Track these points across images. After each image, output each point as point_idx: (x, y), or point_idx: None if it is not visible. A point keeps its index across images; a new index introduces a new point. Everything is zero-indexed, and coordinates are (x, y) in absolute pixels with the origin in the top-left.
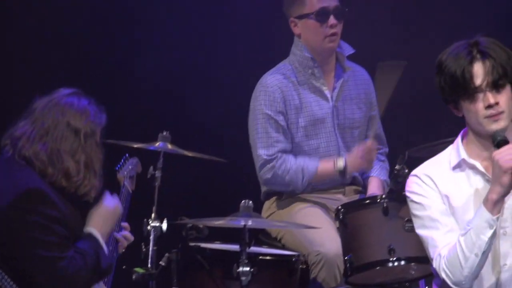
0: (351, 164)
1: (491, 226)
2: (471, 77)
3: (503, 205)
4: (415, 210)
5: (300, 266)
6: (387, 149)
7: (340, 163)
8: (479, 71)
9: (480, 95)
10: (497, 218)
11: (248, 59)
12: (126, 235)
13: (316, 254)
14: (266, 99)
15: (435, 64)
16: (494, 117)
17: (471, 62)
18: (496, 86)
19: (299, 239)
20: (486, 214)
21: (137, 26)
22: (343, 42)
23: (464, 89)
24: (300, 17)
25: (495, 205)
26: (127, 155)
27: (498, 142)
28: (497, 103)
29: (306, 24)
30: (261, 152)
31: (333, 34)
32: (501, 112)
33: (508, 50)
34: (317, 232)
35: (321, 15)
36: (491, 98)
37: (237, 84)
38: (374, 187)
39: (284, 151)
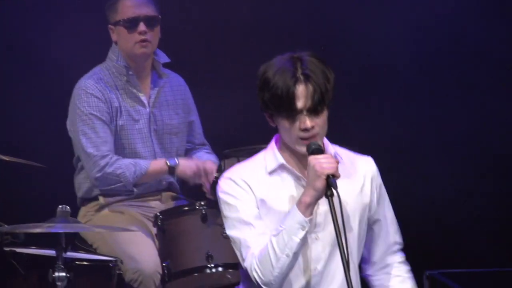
0: (183, 163)
1: (303, 228)
2: (294, 99)
3: (315, 210)
4: (227, 211)
5: (117, 272)
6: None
7: (172, 160)
8: (302, 94)
9: (299, 117)
10: (310, 220)
11: (66, 65)
12: None
13: (134, 272)
14: (89, 100)
15: (259, 75)
16: (306, 141)
17: (295, 84)
18: (315, 110)
19: (116, 252)
20: (298, 216)
21: None
22: (159, 51)
23: (286, 109)
24: (115, 23)
25: (307, 207)
26: None
27: (313, 150)
28: (312, 127)
29: (119, 31)
30: (91, 151)
31: (143, 41)
32: (315, 135)
33: (326, 70)
34: (135, 246)
35: (131, 22)
36: (308, 122)
37: (54, 88)
38: (211, 168)
39: (112, 151)
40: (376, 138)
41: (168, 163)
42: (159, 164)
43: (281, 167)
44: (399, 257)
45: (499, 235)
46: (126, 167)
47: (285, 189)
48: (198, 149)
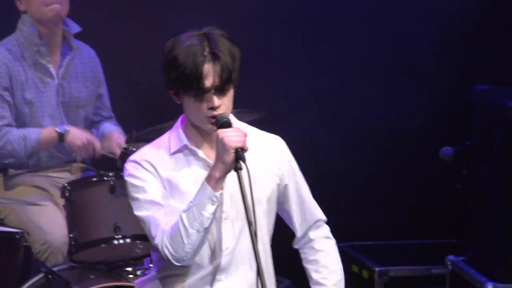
0: (74, 132)
1: (213, 202)
2: (202, 78)
3: (224, 189)
4: (135, 193)
5: (24, 244)
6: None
7: (61, 127)
8: (209, 73)
9: (206, 96)
10: (220, 195)
11: None
12: None
13: (42, 243)
14: None
15: (165, 53)
16: (213, 120)
17: (203, 63)
18: (221, 90)
19: (25, 223)
20: (208, 191)
21: None
22: (70, 21)
23: (192, 88)
24: None
25: (217, 181)
26: None
27: (221, 124)
28: (220, 106)
29: (26, 1)
30: None
31: (52, 3)
32: (222, 114)
33: (233, 48)
34: (43, 217)
35: None
36: (216, 101)
37: None
38: (119, 138)
39: (8, 126)
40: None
41: (58, 130)
42: (49, 131)
43: (185, 148)
44: (323, 231)
45: (405, 209)
46: (16, 142)
47: (189, 170)
48: (105, 121)
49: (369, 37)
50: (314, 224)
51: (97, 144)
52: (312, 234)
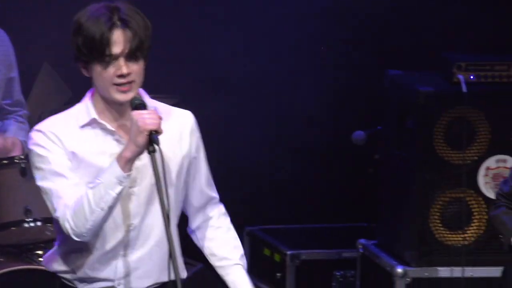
0: None
1: (120, 183)
2: (109, 43)
3: (132, 170)
4: (38, 163)
5: None
6: (27, 112)
7: None
8: (118, 39)
9: (115, 63)
10: (128, 176)
11: None
12: None
13: None
14: None
15: (74, 21)
16: (122, 88)
17: (111, 29)
18: (132, 56)
19: None
20: (118, 171)
21: None
22: None
23: (101, 54)
24: None
25: (127, 162)
26: None
27: (136, 105)
28: (129, 74)
29: None
30: None
31: None
32: (131, 82)
33: (145, 18)
34: None
35: None
36: (124, 67)
37: None
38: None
39: None
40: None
41: None
42: None
43: (93, 121)
44: (220, 209)
45: (317, 193)
46: None
47: (96, 143)
48: (11, 116)
49: (282, 17)
50: (211, 201)
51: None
52: (210, 212)
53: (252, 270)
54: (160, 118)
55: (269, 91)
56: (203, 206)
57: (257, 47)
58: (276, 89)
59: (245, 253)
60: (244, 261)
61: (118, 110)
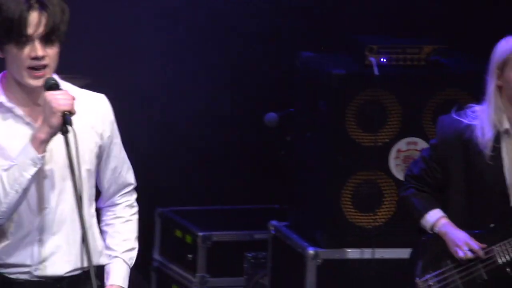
0: None
1: (35, 165)
2: (26, 25)
3: (46, 152)
4: None
5: None
6: None
7: None
8: (34, 21)
9: (30, 44)
10: (42, 157)
11: None
12: None
13: None
14: None
15: None
16: (36, 73)
17: (29, 10)
18: (47, 39)
19: None
20: (32, 152)
21: None
22: None
23: (17, 35)
24: None
25: (41, 144)
26: None
27: (50, 86)
28: (43, 57)
29: None
30: None
31: None
32: (45, 66)
33: (63, 3)
34: None
35: None
36: (39, 50)
37: None
38: None
39: None
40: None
41: None
42: None
43: (1, 105)
44: (128, 199)
45: (229, 174)
46: None
47: (7, 127)
48: None
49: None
50: (124, 188)
51: None
52: (118, 199)
53: (163, 252)
54: (73, 99)
55: (182, 69)
56: (116, 192)
57: (158, 33)
58: (186, 69)
59: (156, 235)
60: (130, 256)
61: (31, 93)
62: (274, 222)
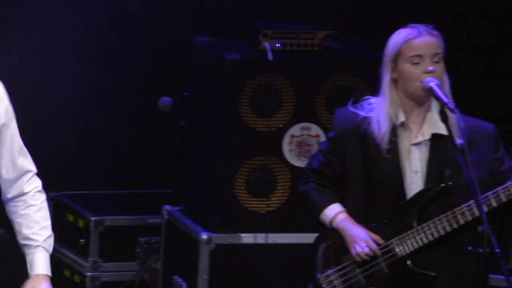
0: None
1: None
2: None
3: None
4: None
5: None
6: None
7: None
8: None
9: None
10: None
11: None
12: None
13: None
14: None
15: None
16: None
17: None
18: None
19: None
20: None
21: None
22: None
23: None
24: None
25: None
26: None
27: None
28: None
29: None
30: None
31: None
32: None
33: None
34: None
35: None
36: None
37: None
38: None
39: None
40: None
41: None
42: None
43: None
44: (36, 185)
45: (123, 159)
46: None
47: None
48: None
49: None
50: (26, 175)
51: None
52: (26, 187)
53: (56, 237)
54: None
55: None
56: (16, 179)
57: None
58: (80, 51)
59: None
60: (49, 243)
61: None
62: (167, 207)
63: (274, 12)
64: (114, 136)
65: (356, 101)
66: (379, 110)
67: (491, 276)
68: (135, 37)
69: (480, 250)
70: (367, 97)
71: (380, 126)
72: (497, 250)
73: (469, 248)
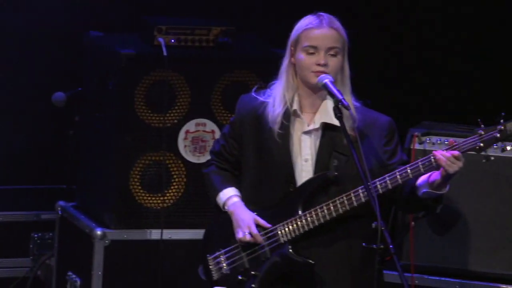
0: None
1: None
2: None
3: None
4: None
5: None
6: None
7: None
8: None
9: None
10: None
11: None
12: None
13: None
14: None
15: None
16: None
17: None
18: None
19: None
20: None
21: None
22: None
23: None
24: None
25: None
26: None
27: None
28: None
29: None
30: None
31: None
32: None
33: None
34: None
35: None
36: None
37: None
38: None
39: None
40: None
41: None
42: None
43: None
44: None
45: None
46: None
47: None
48: None
49: None
50: None
51: None
52: None
53: None
54: None
55: None
56: None
57: None
58: None
59: None
60: None
61: None
62: (61, 203)
63: (169, 7)
64: (7, 131)
65: (261, 88)
66: (275, 93)
67: (386, 272)
68: (27, 31)
69: (374, 246)
70: (273, 82)
71: (275, 108)
72: (391, 246)
73: (364, 244)
